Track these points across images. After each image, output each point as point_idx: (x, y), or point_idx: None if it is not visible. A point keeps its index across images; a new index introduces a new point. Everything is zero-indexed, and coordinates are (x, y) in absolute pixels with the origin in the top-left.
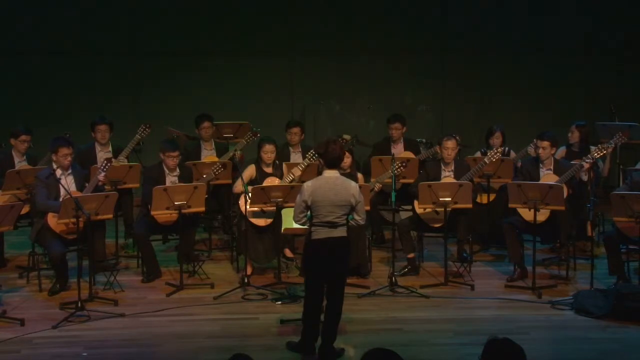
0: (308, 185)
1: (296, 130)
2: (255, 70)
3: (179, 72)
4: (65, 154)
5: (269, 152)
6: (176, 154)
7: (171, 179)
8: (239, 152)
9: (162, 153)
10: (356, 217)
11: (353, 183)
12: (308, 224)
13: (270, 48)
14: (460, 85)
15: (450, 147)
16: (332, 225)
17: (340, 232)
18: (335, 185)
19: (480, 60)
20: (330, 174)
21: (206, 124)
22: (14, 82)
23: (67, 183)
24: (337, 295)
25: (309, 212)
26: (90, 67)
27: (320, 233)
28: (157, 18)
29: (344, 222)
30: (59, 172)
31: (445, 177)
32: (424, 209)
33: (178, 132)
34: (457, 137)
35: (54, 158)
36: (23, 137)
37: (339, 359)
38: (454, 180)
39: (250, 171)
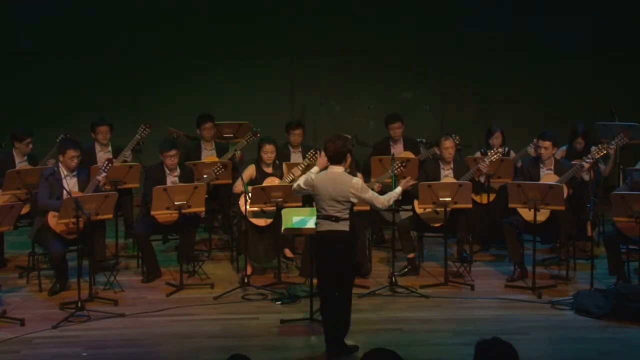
0: (312, 177)
1: (299, 131)
2: (255, 70)
3: (179, 72)
4: (72, 156)
5: (269, 152)
6: (173, 152)
7: (172, 179)
8: (239, 152)
9: (160, 154)
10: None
11: (354, 180)
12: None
13: (270, 48)
14: (460, 85)
15: (449, 146)
16: (335, 219)
17: (343, 226)
18: (335, 181)
19: (480, 60)
20: (333, 169)
21: (208, 124)
22: (14, 82)
23: (71, 184)
24: (342, 291)
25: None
26: (90, 67)
27: (323, 226)
28: (157, 18)
29: (346, 216)
30: (63, 172)
31: (444, 176)
32: (424, 209)
33: (178, 132)
34: (454, 136)
35: (60, 159)
36: (27, 140)
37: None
38: (454, 180)
39: (250, 171)
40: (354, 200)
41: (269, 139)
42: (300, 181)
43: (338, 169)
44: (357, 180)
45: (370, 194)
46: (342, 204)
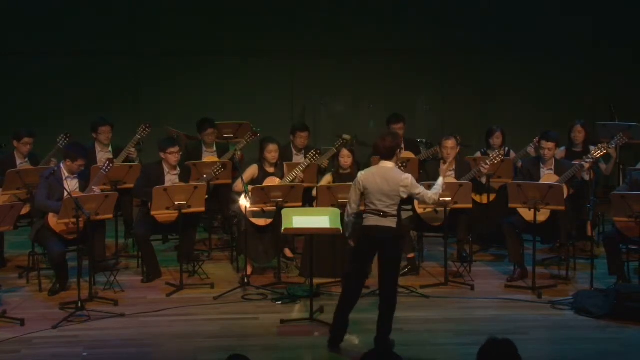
0: (361, 173)
1: (305, 134)
2: (255, 70)
3: (179, 72)
4: (81, 165)
5: (272, 151)
6: (177, 149)
7: (171, 178)
8: (239, 152)
9: (162, 152)
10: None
11: (405, 175)
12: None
13: (270, 48)
14: (461, 85)
15: (449, 146)
16: (383, 214)
17: (390, 222)
18: (386, 175)
19: (480, 60)
20: (384, 164)
21: (210, 130)
22: (14, 82)
23: (72, 185)
24: (387, 284)
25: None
26: (90, 67)
27: (370, 220)
28: (157, 18)
29: (394, 213)
30: (64, 173)
31: (446, 176)
32: (424, 208)
33: (178, 132)
34: (457, 137)
35: (68, 163)
36: (26, 139)
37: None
38: (455, 180)
39: (252, 171)
40: (404, 195)
41: (271, 138)
42: (352, 187)
43: (388, 164)
44: (408, 176)
45: (421, 190)
46: (391, 199)
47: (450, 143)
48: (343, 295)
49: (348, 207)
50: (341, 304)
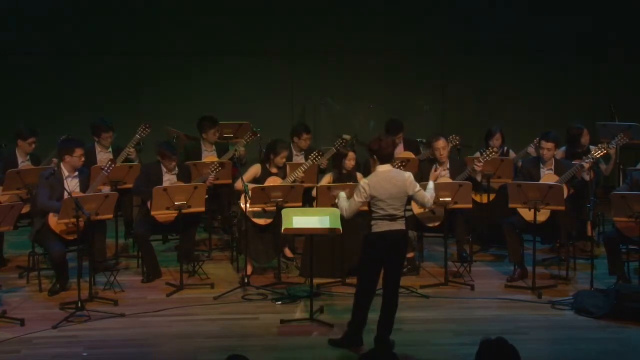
0: (365, 182)
1: (309, 136)
2: (255, 70)
3: (179, 72)
4: (80, 154)
5: (284, 157)
6: (175, 158)
7: (169, 177)
8: (242, 148)
9: (162, 158)
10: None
11: (407, 174)
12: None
13: (270, 48)
14: (460, 85)
15: (441, 146)
16: (392, 217)
17: (399, 224)
18: (392, 178)
19: (480, 61)
20: (384, 168)
21: (215, 129)
22: (14, 82)
23: (73, 185)
24: (394, 286)
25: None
26: (90, 67)
27: (381, 226)
28: (157, 18)
29: (402, 214)
30: (65, 173)
31: (441, 177)
32: (423, 208)
33: (178, 131)
34: (453, 136)
35: (67, 159)
36: (31, 139)
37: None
38: (449, 179)
39: (254, 170)
40: (410, 192)
41: (285, 143)
42: (355, 197)
43: (388, 167)
44: (409, 174)
45: (419, 189)
46: (400, 201)
47: (441, 143)
48: (357, 302)
49: (345, 211)
50: (356, 309)
